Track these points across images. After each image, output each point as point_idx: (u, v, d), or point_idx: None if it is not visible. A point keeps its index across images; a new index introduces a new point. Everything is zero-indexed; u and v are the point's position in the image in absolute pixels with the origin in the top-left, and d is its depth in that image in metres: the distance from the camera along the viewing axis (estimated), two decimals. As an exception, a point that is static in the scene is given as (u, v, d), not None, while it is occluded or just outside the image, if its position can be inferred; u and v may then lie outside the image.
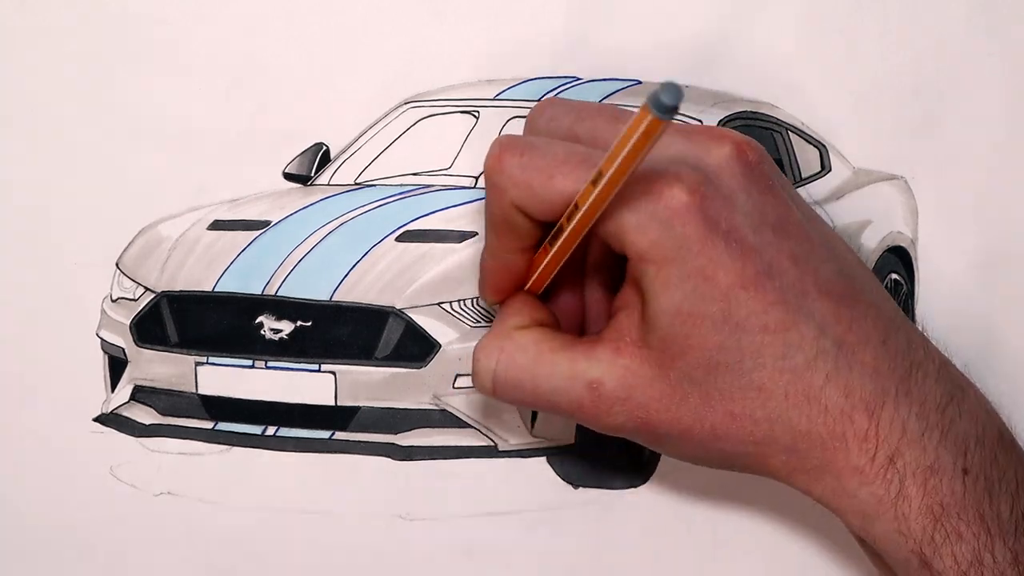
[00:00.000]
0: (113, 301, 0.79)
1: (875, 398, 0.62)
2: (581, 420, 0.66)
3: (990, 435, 0.66)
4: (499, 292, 0.69)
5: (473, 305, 0.78)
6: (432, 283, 0.78)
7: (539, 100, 0.81)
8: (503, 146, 0.63)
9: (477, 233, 0.79)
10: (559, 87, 0.81)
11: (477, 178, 0.82)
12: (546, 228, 0.65)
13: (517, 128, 0.82)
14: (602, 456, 0.80)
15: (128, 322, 0.79)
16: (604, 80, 0.81)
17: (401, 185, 0.80)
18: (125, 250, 0.73)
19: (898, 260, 0.90)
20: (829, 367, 0.62)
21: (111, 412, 0.79)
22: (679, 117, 0.83)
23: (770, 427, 0.63)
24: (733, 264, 0.60)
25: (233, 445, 0.79)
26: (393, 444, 0.78)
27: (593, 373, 0.64)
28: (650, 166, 0.61)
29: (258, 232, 0.80)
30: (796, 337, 0.62)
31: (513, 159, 0.62)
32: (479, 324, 0.77)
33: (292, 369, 0.78)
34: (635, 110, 0.56)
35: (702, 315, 0.61)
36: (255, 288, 0.79)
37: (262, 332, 0.78)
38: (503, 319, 0.68)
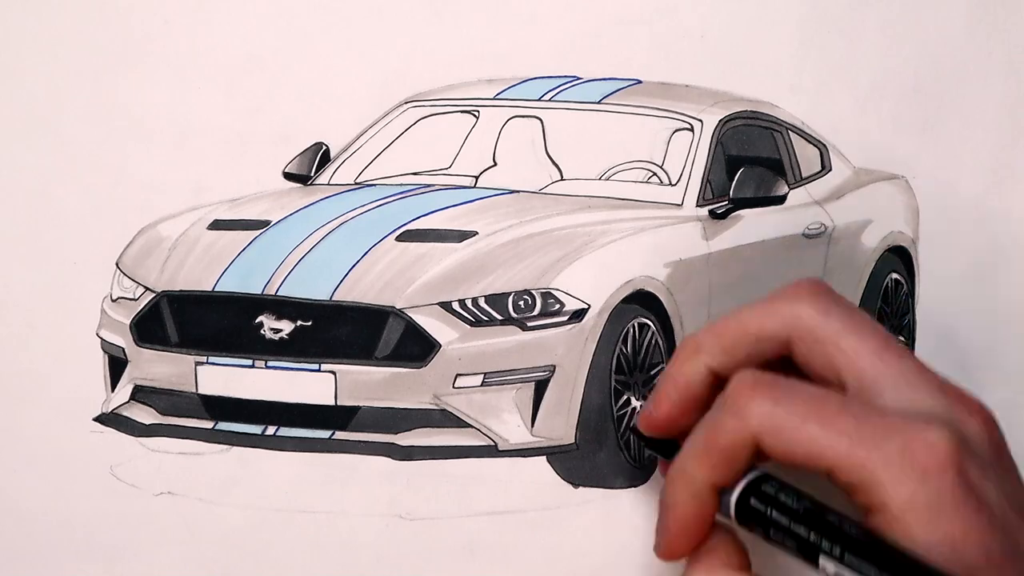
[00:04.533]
0: (113, 301, 0.79)
1: None
2: None
3: None
4: (692, 539, 0.62)
5: (473, 305, 0.78)
6: (432, 283, 0.78)
7: (540, 99, 0.81)
8: (756, 380, 0.60)
9: (477, 232, 0.79)
10: (559, 87, 0.81)
11: (477, 178, 0.82)
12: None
13: (517, 127, 0.82)
14: (602, 456, 0.80)
15: (128, 322, 0.79)
16: (604, 80, 0.81)
17: (401, 185, 0.80)
18: (125, 250, 0.73)
19: (899, 260, 0.90)
20: None
21: (111, 412, 0.79)
22: (676, 117, 0.84)
23: None
24: (983, 537, 0.57)
25: (233, 445, 0.79)
26: (393, 444, 0.78)
27: None
28: (909, 418, 0.59)
29: (258, 232, 0.80)
30: None
31: (767, 393, 0.59)
32: (479, 324, 0.77)
33: (292, 369, 0.78)
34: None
35: None
36: (255, 288, 0.79)
37: (262, 332, 0.78)
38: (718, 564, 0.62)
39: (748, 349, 0.64)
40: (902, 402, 0.61)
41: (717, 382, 0.64)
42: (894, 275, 0.90)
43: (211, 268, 0.79)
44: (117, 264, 0.73)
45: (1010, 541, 0.58)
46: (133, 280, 0.79)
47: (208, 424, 0.79)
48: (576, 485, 0.80)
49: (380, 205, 0.79)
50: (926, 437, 0.58)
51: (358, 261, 0.78)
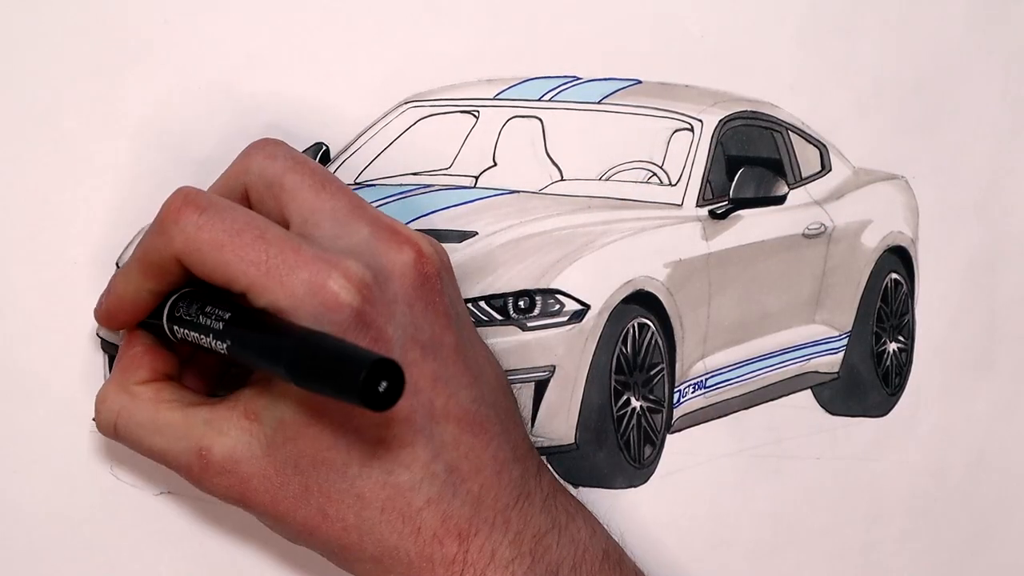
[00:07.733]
0: (113, 301, 0.79)
1: (471, 525, 0.64)
2: (187, 479, 0.67)
3: (590, 557, 0.69)
4: (117, 323, 0.68)
5: (473, 305, 0.78)
6: (432, 283, 0.78)
7: (540, 99, 0.81)
8: (186, 199, 0.62)
9: (477, 233, 0.79)
10: (559, 87, 0.81)
11: (477, 178, 0.82)
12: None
13: (517, 127, 0.82)
14: (602, 456, 0.80)
15: (128, 322, 0.79)
16: (604, 80, 0.81)
17: (401, 185, 0.80)
18: (125, 250, 0.73)
19: (898, 260, 0.90)
20: (433, 491, 0.63)
21: (111, 412, 0.78)
22: (676, 117, 0.84)
23: (359, 536, 0.63)
24: None
25: (233, 445, 0.79)
26: (393, 444, 0.78)
27: (204, 440, 0.65)
28: (323, 251, 0.62)
29: (258, 232, 0.80)
30: (408, 456, 0.62)
31: (192, 216, 0.61)
32: (479, 324, 0.78)
33: (292, 369, 0.78)
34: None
35: (325, 411, 0.61)
36: (255, 288, 0.79)
37: (262, 332, 0.78)
38: (126, 370, 0.67)
39: None
40: (333, 237, 0.64)
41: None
42: (894, 275, 0.90)
43: (211, 268, 0.79)
44: (117, 264, 0.73)
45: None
46: (133, 280, 0.78)
47: (208, 424, 0.79)
48: (576, 485, 0.80)
49: (380, 205, 0.79)
50: (333, 272, 0.60)
51: (358, 261, 0.78)
